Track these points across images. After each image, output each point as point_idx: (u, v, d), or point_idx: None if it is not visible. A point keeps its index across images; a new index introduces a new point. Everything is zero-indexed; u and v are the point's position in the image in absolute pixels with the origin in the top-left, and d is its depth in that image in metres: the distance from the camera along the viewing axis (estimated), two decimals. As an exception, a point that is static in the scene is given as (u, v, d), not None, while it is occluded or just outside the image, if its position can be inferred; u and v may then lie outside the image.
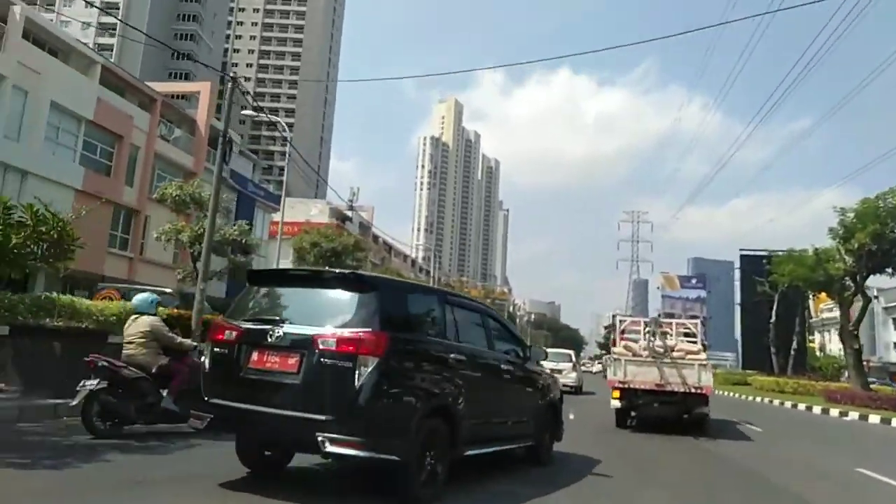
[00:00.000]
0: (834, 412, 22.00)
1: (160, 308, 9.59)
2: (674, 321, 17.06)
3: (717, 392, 33.74)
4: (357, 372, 4.85)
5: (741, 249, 51.69)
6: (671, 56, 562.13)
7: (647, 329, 14.09)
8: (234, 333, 5.48)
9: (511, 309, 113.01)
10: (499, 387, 6.79)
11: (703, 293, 75.39)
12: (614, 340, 16.43)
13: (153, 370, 7.45)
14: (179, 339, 8.09)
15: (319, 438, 4.74)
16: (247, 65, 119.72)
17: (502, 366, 6.91)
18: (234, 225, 22.55)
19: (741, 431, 14.78)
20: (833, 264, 28.21)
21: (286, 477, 6.11)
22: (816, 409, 23.29)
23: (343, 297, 5.41)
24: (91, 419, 6.94)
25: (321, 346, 4.99)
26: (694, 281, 76.03)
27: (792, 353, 42.76)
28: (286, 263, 30.88)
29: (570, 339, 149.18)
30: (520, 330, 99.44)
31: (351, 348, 4.94)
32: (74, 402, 6.88)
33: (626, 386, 12.62)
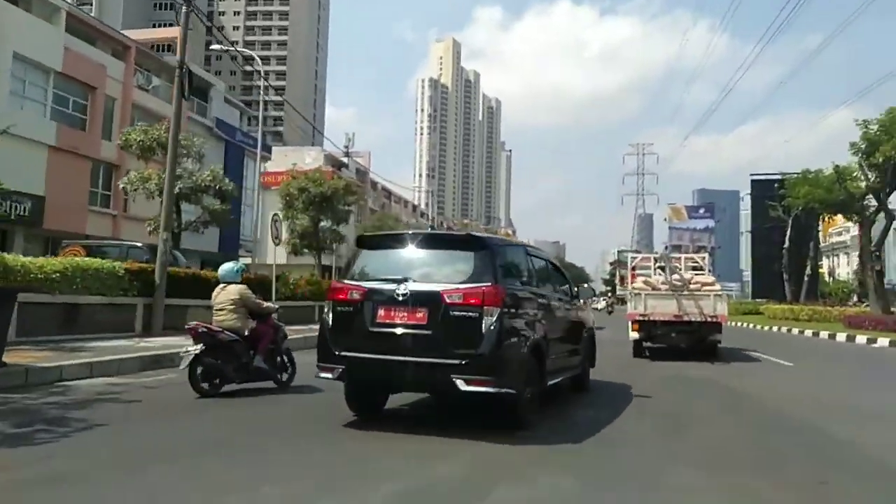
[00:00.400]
0: (861, 339, 20.80)
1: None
2: (682, 255, 17.91)
3: (729, 323, 32.77)
4: (483, 321, 5.54)
5: (752, 174, 50.00)
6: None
7: (658, 264, 15.27)
8: (359, 293, 6.01)
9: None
10: (564, 324, 7.64)
11: (711, 223, 73.93)
12: (622, 278, 21.17)
13: (245, 333, 8.04)
14: (266, 303, 8.69)
15: (455, 379, 5.45)
16: (234, 12, 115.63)
17: (565, 305, 7.82)
18: (208, 171, 21.10)
19: (771, 367, 13.28)
20: (853, 182, 26.66)
21: (389, 417, 6.75)
22: (840, 337, 22.06)
23: (460, 256, 6.08)
24: (197, 380, 7.60)
25: (448, 301, 5.60)
26: (702, 211, 74.38)
27: (805, 279, 41.48)
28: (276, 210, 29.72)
29: (576, 278, 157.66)
30: None
31: (476, 301, 5.56)
32: (182, 367, 7.58)
33: (646, 318, 13.37)
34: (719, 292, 13.60)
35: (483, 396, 5.61)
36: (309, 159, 61.89)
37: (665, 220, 76.09)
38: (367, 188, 69.60)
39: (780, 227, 47.28)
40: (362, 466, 4.81)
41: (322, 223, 27.42)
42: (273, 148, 54.49)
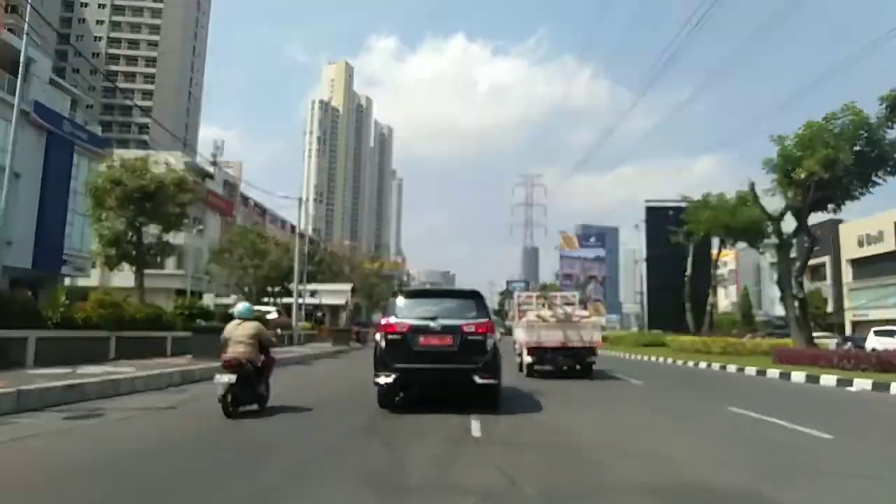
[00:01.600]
0: (799, 377, 17.33)
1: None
2: (558, 294, 21.68)
3: (631, 356, 30.12)
4: (486, 342, 9.53)
5: (647, 201, 48.10)
6: (564, 25, 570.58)
7: (539, 301, 19.44)
8: (406, 327, 9.53)
9: (405, 279, 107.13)
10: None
11: (601, 252, 72.81)
12: (518, 313, 19.60)
13: (258, 364, 9.31)
14: (275, 339, 11.18)
15: (473, 377, 9.30)
16: (99, 5, 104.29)
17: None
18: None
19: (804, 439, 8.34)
20: (753, 210, 24.50)
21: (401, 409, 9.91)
22: (773, 373, 18.66)
23: (468, 303, 10.07)
24: (228, 404, 8.75)
25: (465, 330, 9.49)
26: (592, 240, 73.14)
27: (708, 308, 39.41)
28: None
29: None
30: None
31: (482, 330, 9.54)
32: (220, 393, 8.71)
33: (539, 346, 16.60)
34: (595, 323, 17.42)
35: (486, 388, 9.43)
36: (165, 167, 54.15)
37: (556, 248, 74.35)
38: (237, 202, 62.34)
39: (674, 256, 45.43)
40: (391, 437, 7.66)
41: (144, 228, 21.02)
42: (117, 149, 46.41)
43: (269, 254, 36.79)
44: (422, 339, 9.38)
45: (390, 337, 9.48)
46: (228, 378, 8.69)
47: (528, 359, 16.79)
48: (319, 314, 40.03)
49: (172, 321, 18.27)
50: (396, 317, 9.62)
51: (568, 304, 18.80)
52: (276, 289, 38.15)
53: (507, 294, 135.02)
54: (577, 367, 16.86)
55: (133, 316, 16.11)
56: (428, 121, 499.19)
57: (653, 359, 28.90)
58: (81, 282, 48.11)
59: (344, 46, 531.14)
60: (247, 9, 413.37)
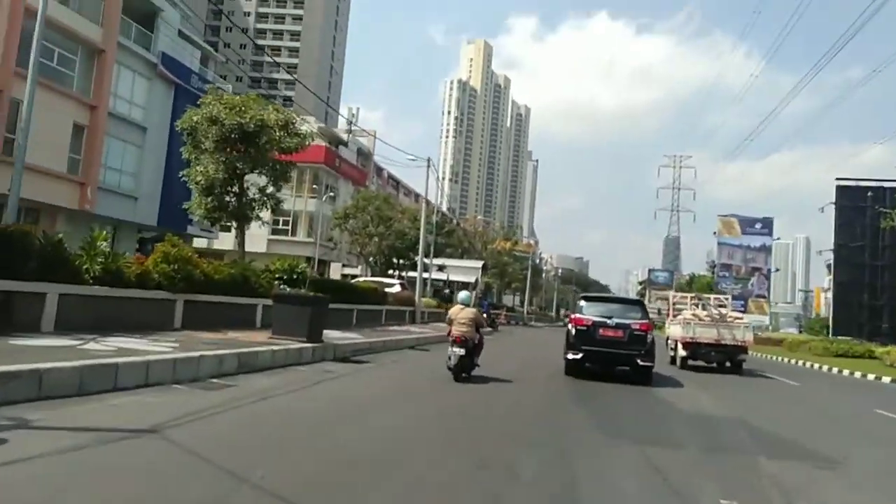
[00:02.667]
0: None
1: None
2: (712, 296, 24.20)
3: (821, 368, 22.87)
4: (647, 336, 12.86)
5: (838, 179, 39.52)
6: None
7: (693, 301, 21.93)
8: (590, 322, 13.04)
9: (538, 261, 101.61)
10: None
11: (768, 240, 63.24)
12: (672, 311, 22.64)
13: (475, 342, 11.33)
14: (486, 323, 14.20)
15: (636, 360, 12.80)
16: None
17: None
18: None
19: None
20: None
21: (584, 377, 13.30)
22: None
23: (634, 307, 13.97)
24: (458, 372, 10.85)
25: (633, 327, 12.84)
26: (758, 226, 63.54)
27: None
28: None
29: None
30: (547, 284, 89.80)
31: (644, 328, 12.89)
32: (452, 363, 10.90)
33: (693, 341, 18.45)
34: (747, 324, 19.12)
35: (644, 368, 12.98)
36: (308, 140, 52.82)
37: (714, 233, 65.42)
38: (371, 172, 60.28)
39: (872, 247, 37.02)
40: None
41: (246, 175, 17.92)
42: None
43: (395, 222, 33.69)
44: (601, 331, 13.00)
45: (579, 328, 13.22)
46: (459, 350, 10.92)
47: (682, 353, 18.78)
48: (446, 291, 36.62)
49: (265, 286, 14.92)
50: (582, 313, 13.45)
51: (721, 305, 20.80)
52: (402, 261, 35.06)
53: (647, 283, 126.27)
54: (728, 363, 18.62)
55: (210, 276, 12.74)
56: (566, 102, 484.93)
57: (864, 376, 21.89)
58: (215, 244, 48.02)
59: (484, 27, 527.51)
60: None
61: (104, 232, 10.83)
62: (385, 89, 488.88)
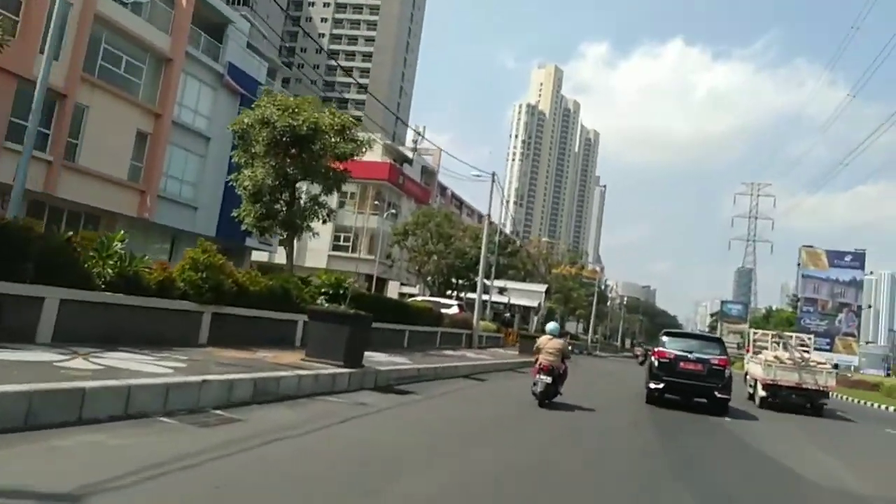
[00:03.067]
0: None
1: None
2: (794, 335, 23.55)
3: None
4: (725, 371, 14.16)
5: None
6: (797, 28, 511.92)
7: (773, 340, 22.31)
8: (672, 355, 14.51)
9: (604, 288, 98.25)
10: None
11: (859, 274, 58.19)
12: (752, 348, 22.80)
13: (560, 372, 12.24)
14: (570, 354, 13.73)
15: (715, 392, 14.06)
16: (324, 4, 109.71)
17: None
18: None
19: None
20: None
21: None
22: None
23: (713, 343, 15.64)
24: (543, 398, 11.75)
25: (712, 362, 14.20)
26: (848, 258, 58.67)
27: None
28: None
29: (668, 326, 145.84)
30: (612, 312, 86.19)
31: (722, 363, 14.27)
32: (539, 390, 11.78)
33: (773, 383, 18.40)
34: (830, 370, 18.91)
35: (724, 403, 14.22)
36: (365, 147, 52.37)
37: (798, 265, 60.88)
38: (434, 190, 59.28)
39: None
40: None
41: (298, 182, 16.77)
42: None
43: (455, 240, 32.22)
44: (682, 364, 14.54)
45: (661, 360, 14.82)
46: (546, 378, 11.89)
47: (762, 393, 18.83)
48: (507, 315, 34.66)
49: (308, 301, 13.59)
50: (665, 347, 15.09)
51: (802, 345, 21.18)
52: (462, 281, 33.51)
53: (719, 315, 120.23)
54: (809, 405, 18.58)
55: (244, 287, 11.48)
56: (637, 129, 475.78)
57: None
58: (275, 259, 47.90)
59: (555, 53, 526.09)
60: (460, 16, 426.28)
61: (121, 232, 9.67)
62: (454, 113, 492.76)
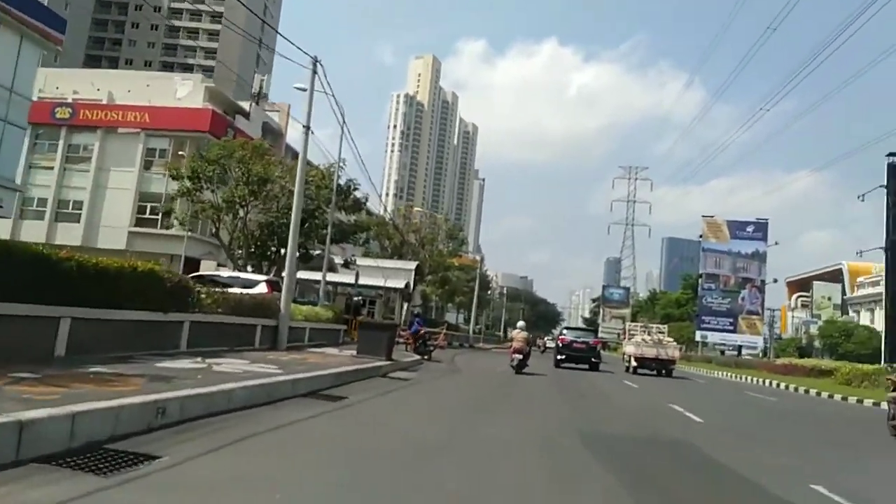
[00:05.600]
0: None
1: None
2: (654, 325, 32.33)
3: None
4: (597, 348, 26.83)
5: (889, 154, 29.73)
6: (662, 31, 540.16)
7: (642, 328, 31.04)
8: (569, 340, 26.74)
9: (488, 279, 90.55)
10: None
11: (762, 246, 53.59)
12: (628, 335, 32.97)
13: (527, 352, 19.17)
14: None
15: (592, 359, 25.72)
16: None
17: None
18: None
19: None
20: None
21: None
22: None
23: (590, 331, 31.74)
24: (518, 369, 18.64)
25: (590, 343, 26.77)
26: (750, 229, 53.90)
27: None
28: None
29: (548, 313, 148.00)
30: (493, 302, 78.41)
31: (596, 343, 27.31)
32: (515, 363, 18.57)
33: (641, 356, 26.55)
34: (675, 345, 28.85)
35: (597, 364, 25.73)
36: (182, 92, 40.28)
37: (699, 237, 55.50)
38: (282, 155, 47.84)
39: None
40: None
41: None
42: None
43: (270, 184, 21.49)
44: (574, 344, 25.87)
45: (563, 343, 26.50)
46: (519, 356, 18.52)
47: (633, 363, 26.50)
48: (356, 298, 24.56)
49: None
50: (564, 335, 27.75)
51: (659, 332, 29.36)
52: (284, 250, 23.12)
53: (601, 301, 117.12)
54: (662, 371, 26.89)
55: None
56: (513, 126, 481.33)
57: None
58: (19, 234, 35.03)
59: (432, 50, 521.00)
60: (337, 12, 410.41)
61: None
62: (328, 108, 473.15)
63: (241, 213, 22.07)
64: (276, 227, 21.70)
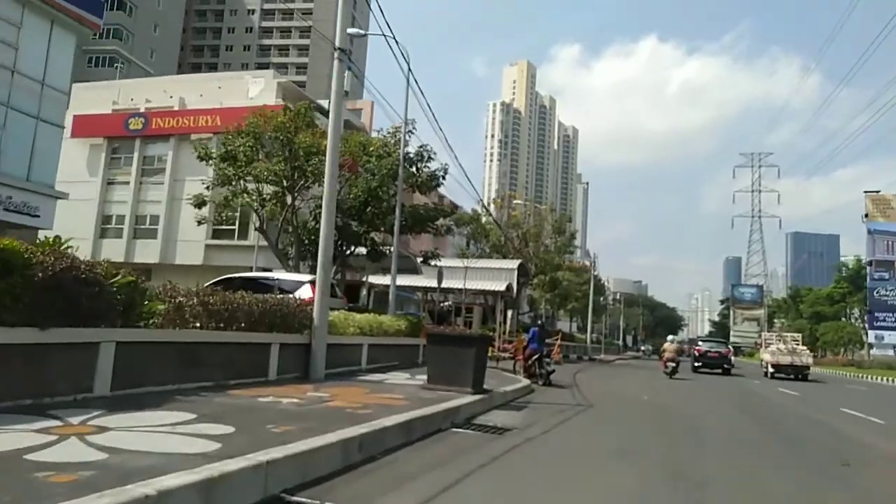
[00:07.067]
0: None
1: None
2: (790, 335, 35.33)
3: None
4: (729, 356, 30.99)
5: None
6: (769, 17, 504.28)
7: (778, 337, 33.40)
8: (704, 350, 31.19)
9: (601, 283, 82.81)
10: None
11: (949, 224, 43.49)
12: (765, 343, 34.29)
13: (678, 361, 23.22)
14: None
15: (724, 365, 29.97)
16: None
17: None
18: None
19: None
20: None
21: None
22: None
23: (721, 343, 34.30)
24: (671, 374, 22.03)
25: (722, 352, 30.86)
26: (933, 204, 43.84)
27: None
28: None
29: (668, 318, 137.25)
30: (608, 307, 72.89)
31: (727, 353, 31.21)
32: (669, 370, 22.01)
33: (777, 363, 28.80)
34: (808, 353, 30.20)
35: (728, 370, 30.28)
36: (255, 91, 37.16)
37: (863, 218, 46.00)
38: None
39: None
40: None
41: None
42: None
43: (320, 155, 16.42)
44: (709, 353, 30.31)
45: (698, 352, 30.63)
46: (672, 364, 21.42)
47: (770, 370, 28.88)
48: (443, 304, 19.28)
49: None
50: (698, 345, 32.09)
51: (794, 340, 31.63)
52: (352, 248, 17.94)
53: (731, 301, 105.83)
54: (798, 376, 28.52)
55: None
56: (614, 128, 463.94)
57: None
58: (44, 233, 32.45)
59: (525, 57, 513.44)
60: (430, 27, 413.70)
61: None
62: (426, 124, 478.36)
63: (289, 199, 17.54)
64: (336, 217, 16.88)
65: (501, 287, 27.09)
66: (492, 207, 41.56)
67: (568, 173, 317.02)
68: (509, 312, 30.21)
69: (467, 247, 39.42)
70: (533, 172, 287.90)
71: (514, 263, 30.27)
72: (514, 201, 42.38)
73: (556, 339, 26.87)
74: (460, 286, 23.26)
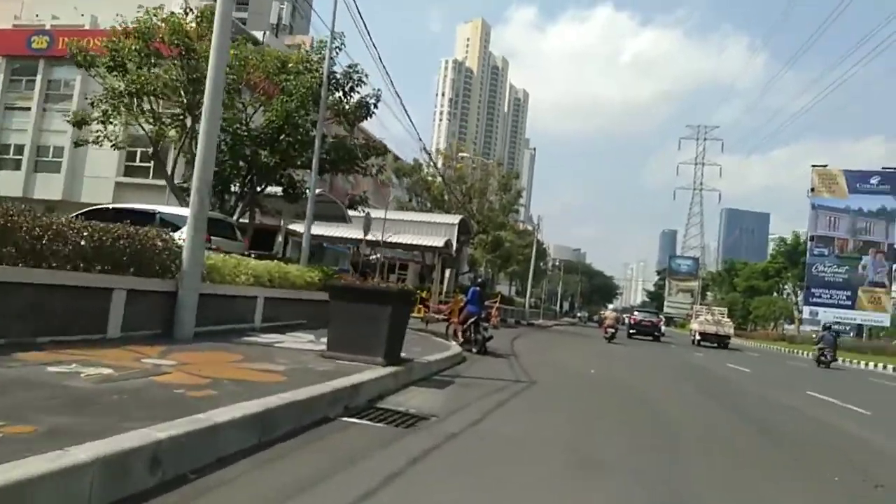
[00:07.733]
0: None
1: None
2: (717, 308, 40.75)
3: None
4: (659, 324, 37.01)
5: None
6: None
7: (707, 310, 39.39)
8: (638, 318, 37.07)
9: (544, 250, 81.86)
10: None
11: (890, 202, 43.57)
12: (694, 314, 40.30)
13: (617, 326, 27.43)
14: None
15: (654, 332, 35.13)
16: None
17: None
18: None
19: None
20: None
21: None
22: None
23: (653, 312, 42.58)
24: (610, 339, 25.07)
25: (653, 321, 36.55)
26: (875, 181, 43.86)
27: None
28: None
29: (605, 286, 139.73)
30: (548, 273, 73.31)
31: (658, 322, 37.09)
32: (609, 335, 25.09)
33: (703, 332, 33.53)
34: (730, 324, 35.52)
35: (658, 337, 35.52)
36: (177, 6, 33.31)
37: (808, 192, 45.79)
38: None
39: None
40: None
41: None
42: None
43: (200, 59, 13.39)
44: (643, 322, 35.42)
45: (633, 321, 36.09)
46: (612, 329, 24.66)
47: (697, 337, 33.65)
48: (368, 255, 17.14)
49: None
50: (633, 314, 39.62)
51: (720, 313, 36.22)
52: (264, 184, 15.04)
53: (666, 273, 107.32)
54: (720, 344, 32.72)
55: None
56: (565, 96, 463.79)
57: None
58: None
59: (480, 16, 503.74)
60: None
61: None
62: (375, 77, 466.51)
63: (189, 121, 14.78)
64: (242, 144, 14.21)
65: (440, 243, 24.97)
66: (439, 161, 39.08)
67: (517, 137, 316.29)
68: (447, 271, 28.29)
69: (409, 201, 37.16)
70: (482, 134, 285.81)
71: (454, 218, 28.10)
72: (461, 154, 39.89)
73: (495, 302, 25.18)
74: (396, 241, 21.08)
